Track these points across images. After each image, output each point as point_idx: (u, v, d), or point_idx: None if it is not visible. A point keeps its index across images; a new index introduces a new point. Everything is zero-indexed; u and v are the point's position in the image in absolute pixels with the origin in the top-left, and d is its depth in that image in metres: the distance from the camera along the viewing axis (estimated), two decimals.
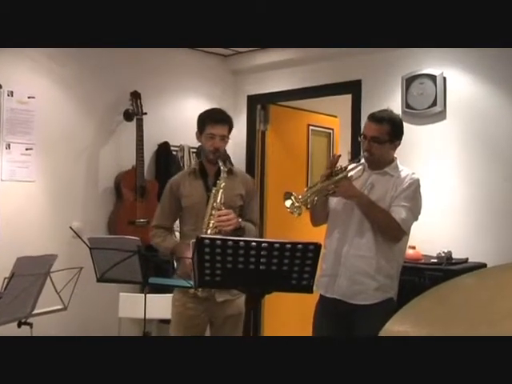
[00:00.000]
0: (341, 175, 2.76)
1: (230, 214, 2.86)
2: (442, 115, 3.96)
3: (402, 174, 2.83)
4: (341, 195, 2.79)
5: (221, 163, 2.93)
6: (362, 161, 2.86)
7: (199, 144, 3.22)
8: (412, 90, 4.08)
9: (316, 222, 3.00)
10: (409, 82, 4.09)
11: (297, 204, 2.66)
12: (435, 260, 3.61)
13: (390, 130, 2.79)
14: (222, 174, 2.91)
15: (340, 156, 2.87)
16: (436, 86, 3.95)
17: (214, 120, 2.98)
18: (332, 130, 6.02)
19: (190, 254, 2.55)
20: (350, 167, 2.86)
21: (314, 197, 2.75)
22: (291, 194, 2.68)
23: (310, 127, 5.75)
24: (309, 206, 2.80)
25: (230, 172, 3.02)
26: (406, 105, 4.10)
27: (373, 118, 2.83)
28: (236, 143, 5.37)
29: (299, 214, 2.67)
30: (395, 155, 2.90)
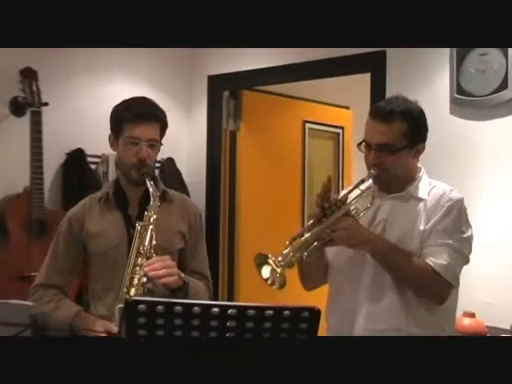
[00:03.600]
0: (337, 213, 2.70)
1: (166, 261, 2.80)
2: None
3: (435, 194, 2.77)
4: (343, 244, 2.75)
5: (150, 183, 2.91)
6: (370, 182, 2.80)
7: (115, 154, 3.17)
8: (468, 66, 4.10)
9: (309, 283, 2.99)
10: (462, 53, 4.11)
11: (279, 269, 2.61)
12: (508, 335, 3.61)
13: (407, 129, 2.72)
14: (152, 202, 2.88)
15: (331, 181, 2.81)
16: (507, 59, 3.96)
17: (136, 116, 2.92)
18: (342, 128, 6.12)
19: (99, 326, 2.77)
20: (350, 197, 2.80)
21: (302, 253, 2.70)
22: (267, 257, 2.62)
23: (307, 125, 5.83)
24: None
25: (164, 197, 3.03)
26: (458, 89, 4.13)
27: (377, 113, 2.76)
28: (192, 149, 5.39)
29: (282, 286, 2.61)
30: (419, 164, 2.85)
